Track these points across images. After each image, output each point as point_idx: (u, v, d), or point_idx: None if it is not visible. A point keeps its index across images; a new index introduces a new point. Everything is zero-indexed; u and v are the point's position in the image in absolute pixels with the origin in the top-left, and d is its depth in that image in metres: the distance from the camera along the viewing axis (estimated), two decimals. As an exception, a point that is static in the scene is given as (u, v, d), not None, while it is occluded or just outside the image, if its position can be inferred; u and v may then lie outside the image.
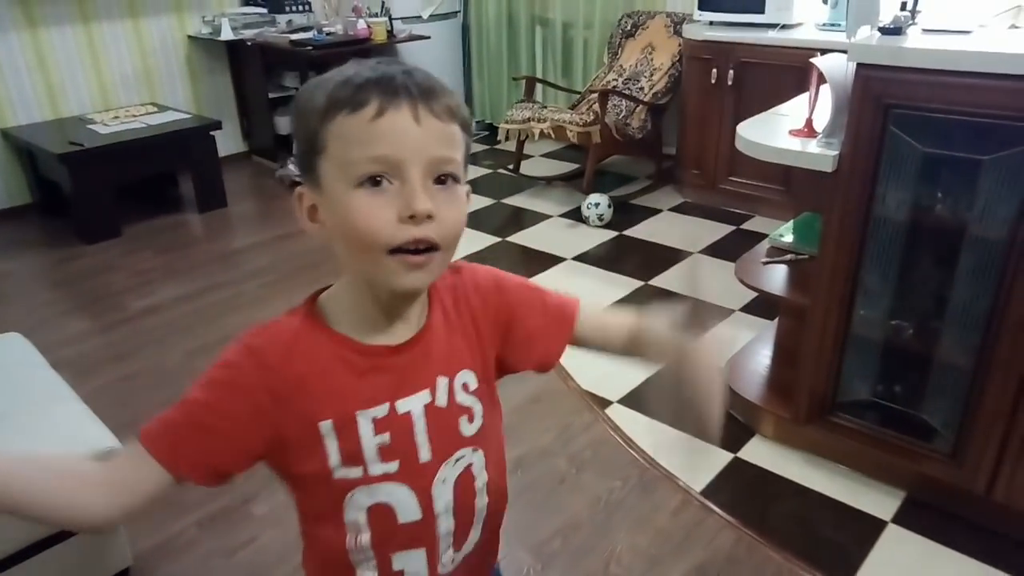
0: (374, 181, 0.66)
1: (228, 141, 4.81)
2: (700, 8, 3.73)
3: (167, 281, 3.33)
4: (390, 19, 4.61)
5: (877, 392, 1.97)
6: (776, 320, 2.53)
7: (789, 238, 2.34)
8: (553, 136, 3.91)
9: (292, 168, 4.43)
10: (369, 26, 4.46)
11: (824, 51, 2.10)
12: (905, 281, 1.83)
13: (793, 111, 2.20)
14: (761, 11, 3.49)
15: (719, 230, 3.66)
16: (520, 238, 3.72)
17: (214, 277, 3.35)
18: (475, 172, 4.70)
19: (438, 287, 0.79)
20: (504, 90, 5.19)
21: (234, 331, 0.74)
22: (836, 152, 1.76)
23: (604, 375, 2.53)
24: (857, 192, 1.74)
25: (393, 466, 0.74)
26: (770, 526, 1.91)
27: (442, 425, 0.77)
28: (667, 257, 3.41)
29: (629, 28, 4.29)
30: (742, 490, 2.04)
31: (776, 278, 2.23)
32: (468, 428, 0.79)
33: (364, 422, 0.72)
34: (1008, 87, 1.48)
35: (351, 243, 0.68)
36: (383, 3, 4.68)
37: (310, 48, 4.26)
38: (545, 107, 4.12)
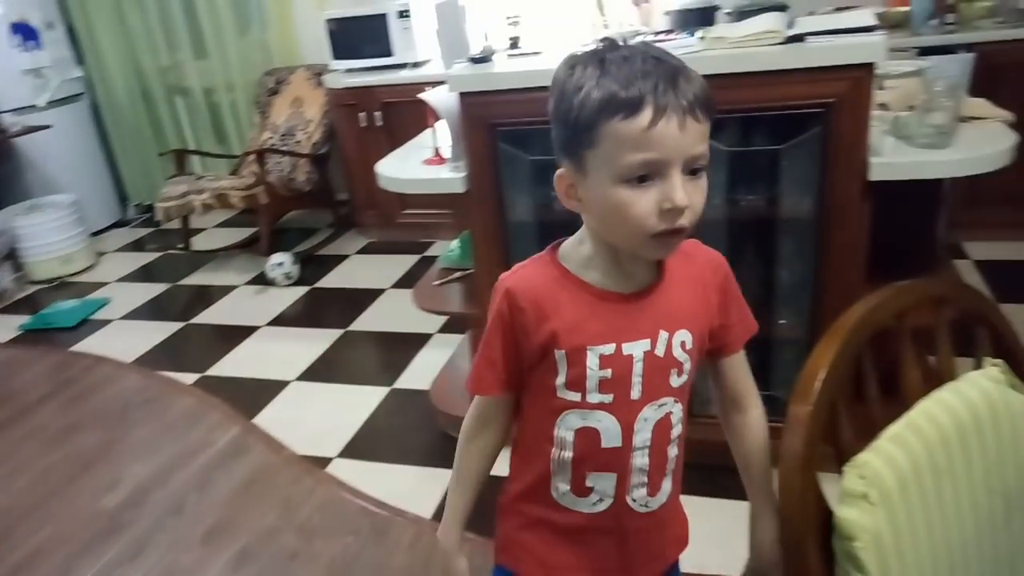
0: (641, 179, 0.75)
1: None
2: (335, 58, 3.84)
3: None
4: (-5, 113, 4.07)
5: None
6: (468, 333, 2.68)
7: (457, 256, 2.49)
8: (218, 205, 3.73)
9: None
10: (-31, 125, 3.89)
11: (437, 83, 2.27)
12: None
13: (428, 141, 2.35)
14: (390, 54, 3.69)
15: (406, 262, 3.79)
16: (208, 317, 3.50)
17: None
18: (143, 258, 4.33)
19: (673, 256, 0.86)
20: (156, 168, 4.84)
21: None
22: (463, 174, 1.91)
23: (318, 433, 2.48)
24: (489, 205, 1.92)
25: (608, 397, 0.86)
26: (500, 526, 2.01)
27: (655, 372, 0.86)
28: (363, 300, 3.44)
29: (273, 85, 4.26)
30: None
31: (454, 296, 2.36)
32: (676, 380, 0.88)
33: (592, 356, 0.84)
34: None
35: (614, 225, 0.79)
36: (-18, 97, 4.11)
37: None
38: (201, 178, 3.92)
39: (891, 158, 1.63)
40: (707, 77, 0.78)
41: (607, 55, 0.76)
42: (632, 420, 0.87)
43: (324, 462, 2.35)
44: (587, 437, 0.87)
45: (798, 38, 1.59)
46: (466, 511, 1.00)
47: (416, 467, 2.29)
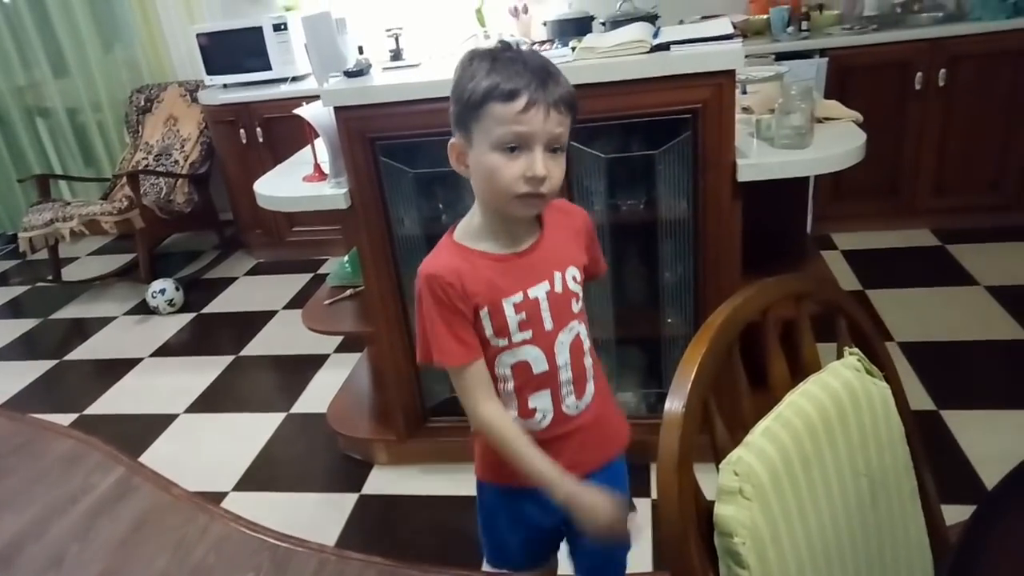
0: (511, 149, 0.97)
1: None
2: (209, 73, 3.69)
3: None
4: None
5: (453, 388, 2.16)
6: (365, 351, 2.63)
7: (348, 274, 2.44)
8: (88, 232, 3.50)
9: None
10: None
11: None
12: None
13: (309, 157, 2.29)
14: (268, 68, 3.58)
15: (297, 281, 3.68)
16: (85, 352, 3.28)
17: None
18: (8, 292, 4.02)
19: (550, 213, 1.10)
20: (17, 195, 4.51)
21: None
22: (345, 189, 1.87)
23: (211, 467, 2.36)
24: (375, 220, 1.89)
25: (528, 334, 1.07)
26: (408, 544, 1.97)
27: (559, 304, 1.08)
28: (254, 322, 3.31)
29: (143, 104, 4.05)
30: (375, 524, 2.07)
31: (347, 314, 2.31)
32: (575, 306, 1.11)
33: (508, 306, 1.05)
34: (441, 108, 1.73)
35: (489, 185, 1.00)
36: None
37: None
38: (69, 203, 3.67)
39: (757, 159, 1.72)
40: (580, 87, 0.98)
41: (498, 55, 0.98)
42: (551, 346, 1.09)
43: (219, 497, 2.24)
44: (521, 369, 1.09)
45: (663, 47, 1.65)
46: (549, 460, 1.07)
47: (317, 493, 2.22)
